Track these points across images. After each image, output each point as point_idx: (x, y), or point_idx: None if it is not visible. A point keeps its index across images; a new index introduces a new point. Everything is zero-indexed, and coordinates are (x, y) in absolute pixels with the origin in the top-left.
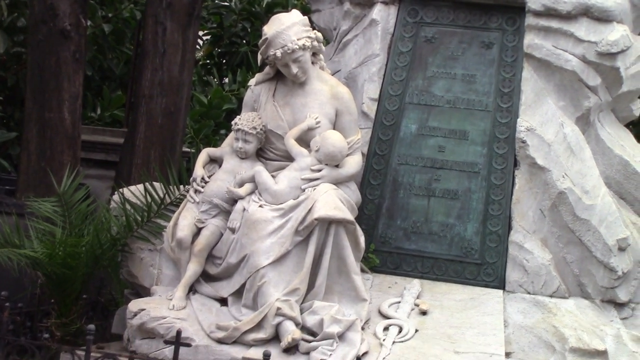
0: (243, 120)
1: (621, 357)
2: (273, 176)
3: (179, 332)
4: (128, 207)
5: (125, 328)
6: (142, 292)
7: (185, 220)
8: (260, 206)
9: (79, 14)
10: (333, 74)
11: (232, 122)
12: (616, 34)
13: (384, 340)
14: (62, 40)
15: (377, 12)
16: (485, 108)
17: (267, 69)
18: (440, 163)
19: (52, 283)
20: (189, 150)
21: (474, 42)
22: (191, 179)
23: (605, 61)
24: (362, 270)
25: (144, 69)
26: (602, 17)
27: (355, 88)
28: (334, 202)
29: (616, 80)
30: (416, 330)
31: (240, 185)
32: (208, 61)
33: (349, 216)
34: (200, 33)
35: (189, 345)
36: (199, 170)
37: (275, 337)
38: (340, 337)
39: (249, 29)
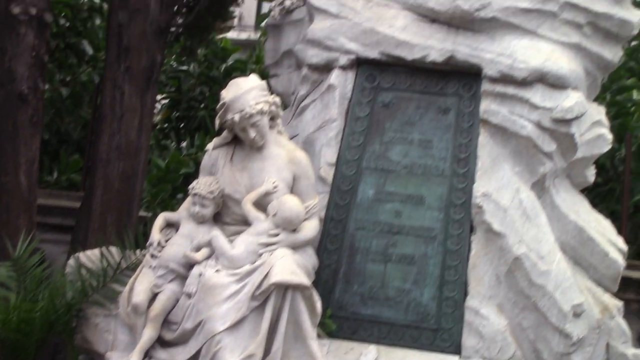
0: (200, 185)
1: None
2: (230, 241)
3: None
4: (83, 272)
5: None
6: (97, 358)
7: (141, 285)
8: (217, 271)
9: (36, 77)
10: (291, 139)
11: (190, 187)
12: (571, 100)
13: None
14: (20, 104)
15: (335, 77)
16: (442, 173)
17: (225, 133)
18: (397, 228)
19: (6, 349)
20: (146, 214)
21: (431, 108)
22: (148, 243)
23: (560, 127)
24: (319, 336)
25: (102, 132)
26: (557, 84)
27: (313, 153)
28: (290, 267)
29: (571, 146)
30: None
31: (197, 249)
32: (166, 125)
33: (306, 281)
34: (159, 97)
35: None
36: (155, 235)
37: None
38: None
39: (207, 93)
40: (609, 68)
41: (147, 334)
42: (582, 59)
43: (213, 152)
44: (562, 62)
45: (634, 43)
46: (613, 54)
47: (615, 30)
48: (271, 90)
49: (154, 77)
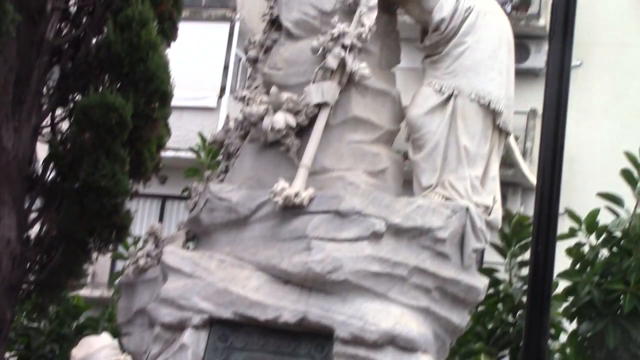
0: None
1: None
2: None
3: None
4: None
5: None
6: None
7: None
8: None
9: None
10: None
11: None
12: None
13: None
14: None
15: (188, 336)
16: None
17: None
18: None
19: None
20: None
21: None
22: None
23: None
24: None
25: None
26: (407, 347)
27: None
28: None
29: None
30: None
31: None
32: None
33: None
34: (7, 354)
35: None
36: None
37: None
38: None
39: (57, 351)
40: (457, 332)
41: None
42: (431, 322)
43: None
44: (412, 326)
45: (480, 308)
46: (461, 319)
47: (463, 296)
48: (123, 349)
49: (3, 334)
